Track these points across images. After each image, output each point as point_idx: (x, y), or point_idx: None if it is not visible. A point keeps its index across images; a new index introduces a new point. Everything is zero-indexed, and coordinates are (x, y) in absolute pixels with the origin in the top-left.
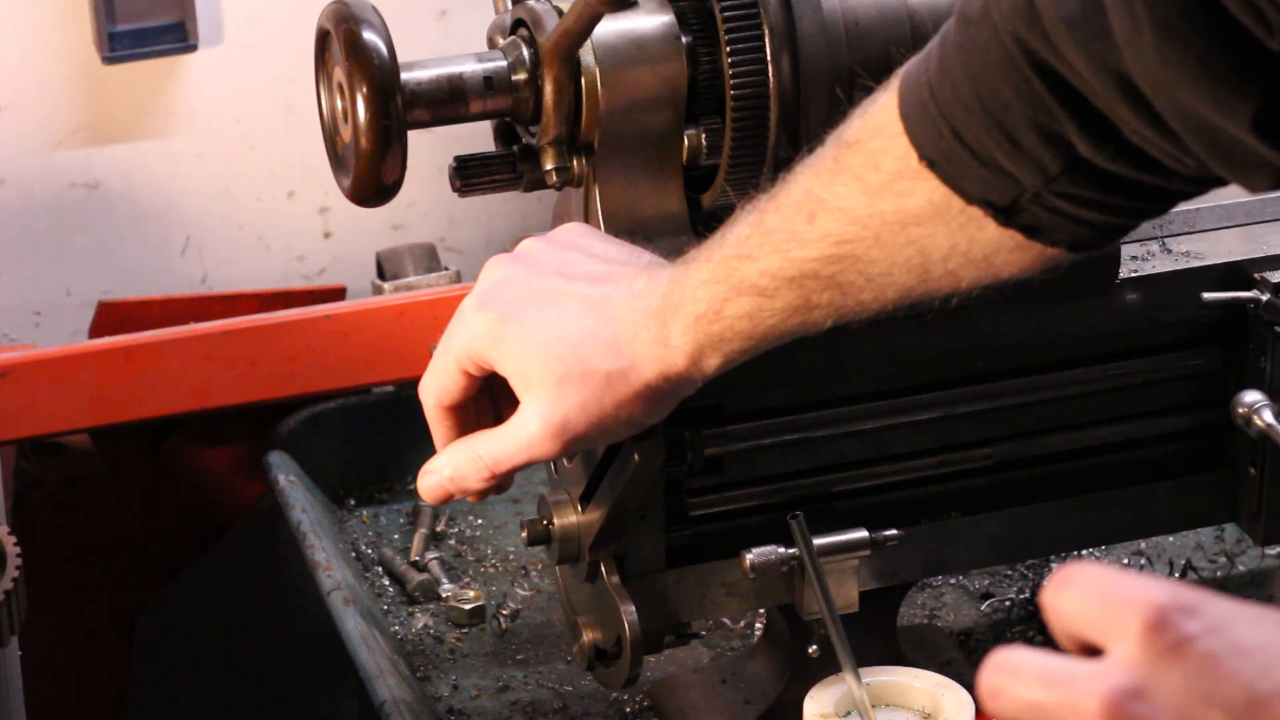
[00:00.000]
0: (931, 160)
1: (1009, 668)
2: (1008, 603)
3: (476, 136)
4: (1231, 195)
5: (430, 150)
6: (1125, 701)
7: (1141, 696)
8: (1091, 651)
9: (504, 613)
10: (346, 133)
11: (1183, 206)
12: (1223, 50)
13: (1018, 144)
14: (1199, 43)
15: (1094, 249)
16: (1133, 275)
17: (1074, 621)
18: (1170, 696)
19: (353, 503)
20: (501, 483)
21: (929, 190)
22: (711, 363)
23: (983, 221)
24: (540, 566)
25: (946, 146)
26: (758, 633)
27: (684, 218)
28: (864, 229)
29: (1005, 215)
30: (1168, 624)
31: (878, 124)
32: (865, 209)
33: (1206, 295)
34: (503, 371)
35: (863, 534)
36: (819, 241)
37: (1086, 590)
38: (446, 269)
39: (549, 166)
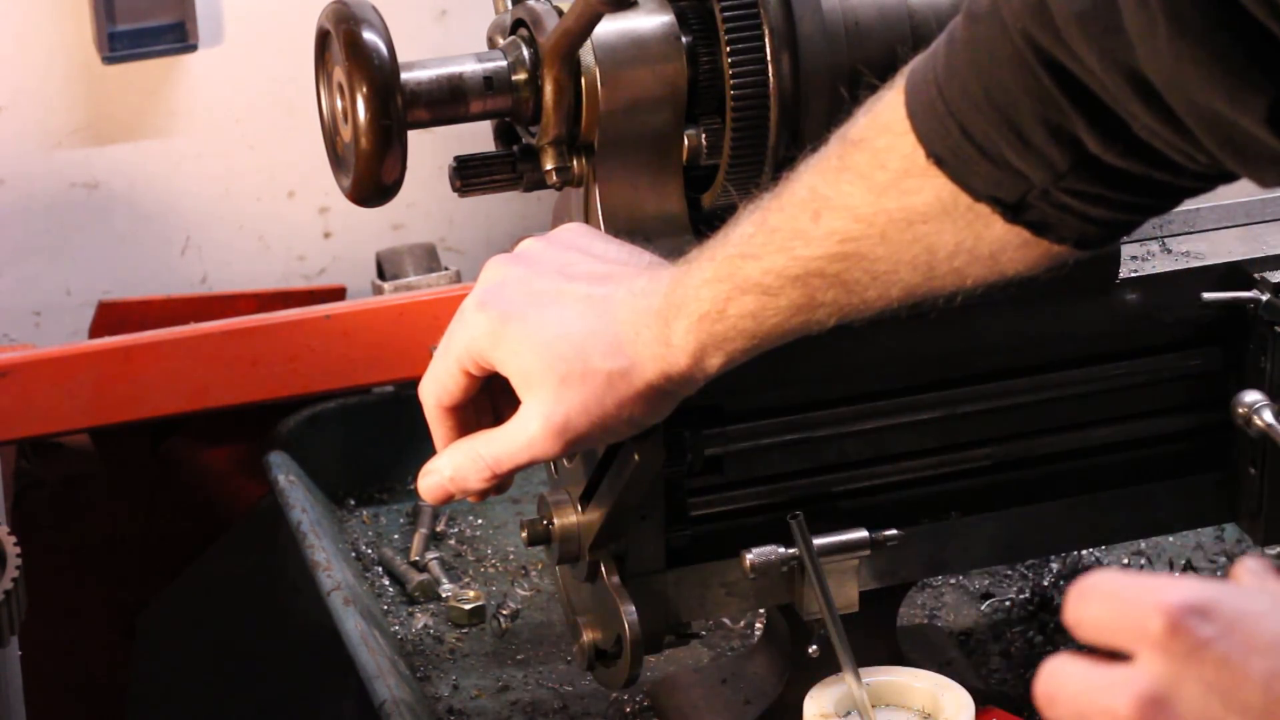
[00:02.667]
0: (939, 157)
1: (1057, 677)
2: (1008, 603)
3: (476, 136)
4: (1232, 195)
5: (430, 150)
6: (1150, 709)
7: (1165, 703)
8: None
9: (504, 613)
10: (346, 133)
11: (1183, 206)
12: (1238, 44)
13: (1026, 140)
14: (1214, 37)
15: (1100, 246)
16: (1133, 275)
17: (1099, 633)
18: (1192, 701)
19: (353, 503)
20: (502, 483)
21: (936, 187)
22: (714, 362)
23: (989, 218)
24: (540, 566)
25: (954, 143)
26: (758, 633)
27: (684, 218)
28: (870, 227)
29: (1013, 212)
30: (1183, 629)
31: (884, 122)
32: (871, 207)
33: (1206, 295)
34: (504, 371)
35: (863, 534)
36: (824, 240)
37: (1104, 600)
38: (446, 269)
39: (549, 166)
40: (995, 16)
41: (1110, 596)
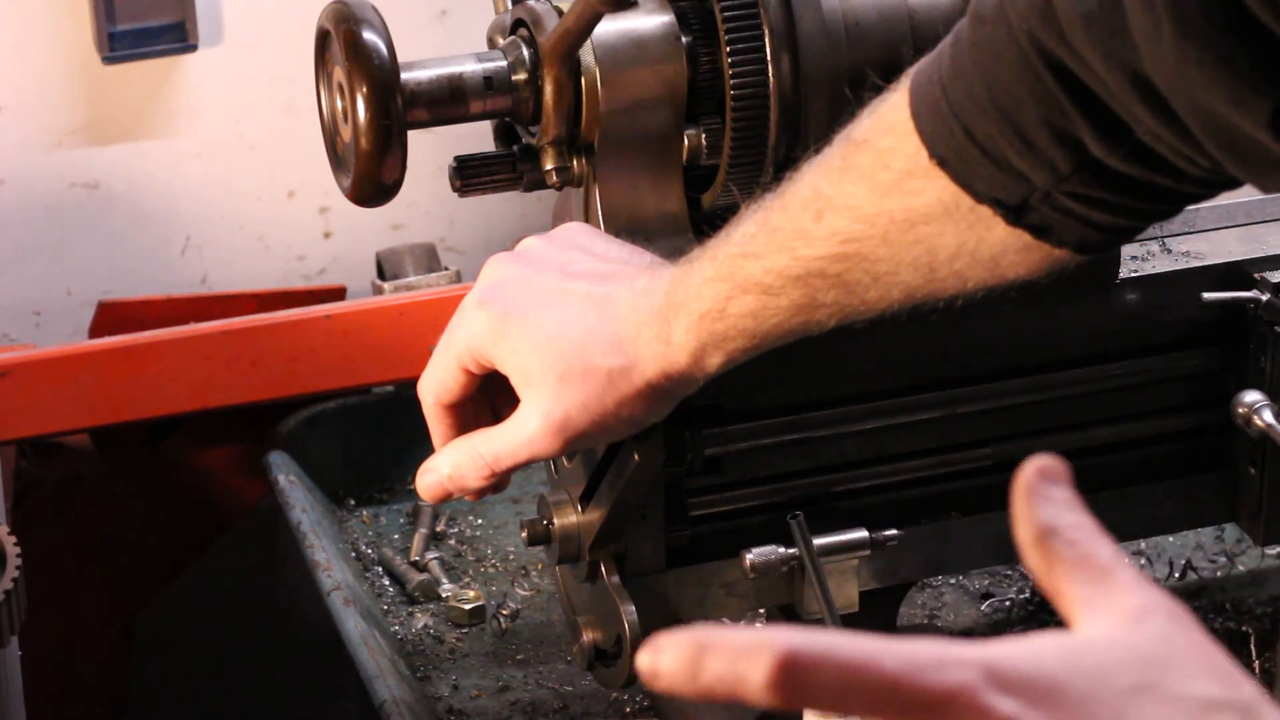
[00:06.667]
0: (942, 158)
1: None
2: (1008, 603)
3: (476, 136)
4: (1232, 195)
5: (430, 150)
6: None
7: None
8: None
9: (504, 613)
10: (346, 133)
11: None
12: (1243, 48)
13: (1029, 143)
14: (1219, 40)
15: (1101, 250)
16: (1133, 275)
17: (843, 706)
18: None
19: (353, 503)
20: (500, 481)
21: (938, 189)
22: (714, 361)
23: (991, 221)
24: (540, 566)
25: (958, 145)
26: None
27: (684, 218)
28: (872, 227)
29: (1014, 215)
30: (982, 708)
31: (888, 123)
32: (873, 207)
33: (1206, 295)
34: (504, 369)
35: (863, 534)
36: (826, 240)
37: (855, 670)
38: (446, 269)
39: (549, 166)
40: (1001, 18)
41: (860, 668)
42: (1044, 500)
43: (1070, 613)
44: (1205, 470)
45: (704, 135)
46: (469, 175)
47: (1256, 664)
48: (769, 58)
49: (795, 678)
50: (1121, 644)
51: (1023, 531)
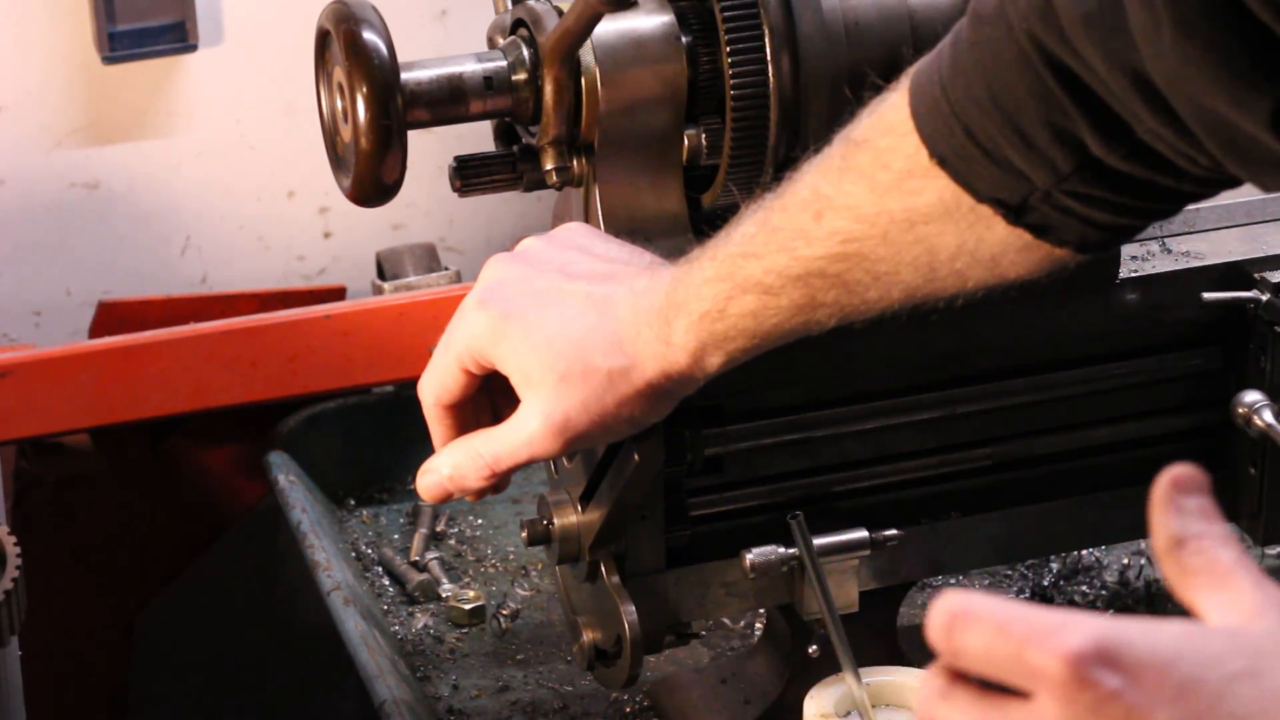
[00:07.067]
0: (942, 158)
1: (944, 705)
2: None
3: (477, 136)
4: (1232, 195)
5: (430, 150)
6: None
7: None
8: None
9: (504, 613)
10: (346, 133)
11: None
12: (1243, 47)
13: (1030, 142)
14: (1219, 39)
15: (1101, 250)
16: (1133, 275)
17: (984, 665)
18: None
19: (353, 503)
20: (500, 482)
21: (939, 189)
22: (714, 361)
23: (992, 220)
24: (540, 566)
25: (958, 144)
26: (758, 633)
27: (684, 218)
28: (872, 227)
29: (1015, 214)
30: (1088, 680)
31: (888, 122)
32: (873, 207)
33: (1206, 295)
34: (504, 369)
35: (863, 534)
36: (826, 240)
37: (992, 632)
38: (446, 269)
39: (549, 166)
40: (1001, 18)
41: (999, 630)
42: (1176, 511)
43: (1200, 616)
44: (1205, 470)
45: (704, 135)
46: (469, 175)
47: None
48: (769, 58)
49: (953, 635)
50: (1236, 635)
51: (1157, 542)
